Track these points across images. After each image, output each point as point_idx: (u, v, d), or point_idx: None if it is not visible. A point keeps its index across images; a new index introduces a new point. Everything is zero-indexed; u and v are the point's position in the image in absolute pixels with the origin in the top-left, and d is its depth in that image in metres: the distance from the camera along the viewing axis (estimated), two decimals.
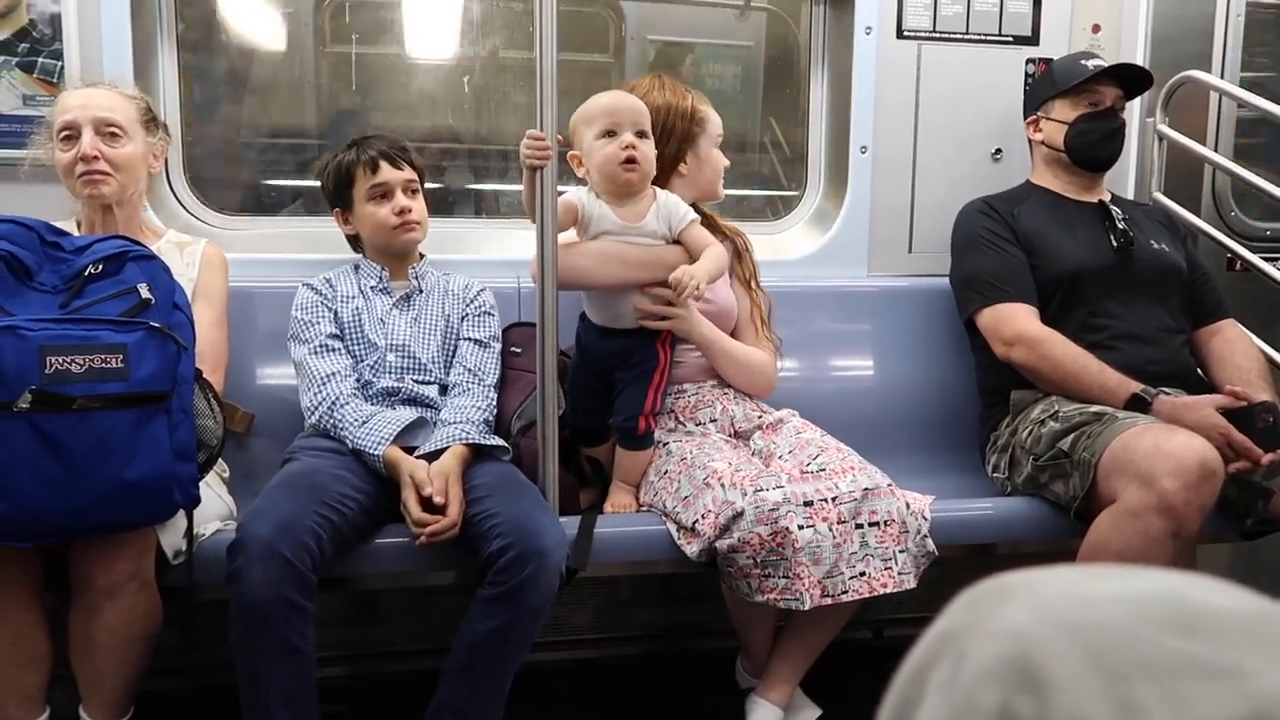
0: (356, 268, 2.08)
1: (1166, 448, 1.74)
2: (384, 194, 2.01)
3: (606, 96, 1.93)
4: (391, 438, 1.81)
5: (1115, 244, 2.20)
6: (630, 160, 1.85)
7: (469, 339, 2.05)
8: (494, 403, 1.98)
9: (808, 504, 1.69)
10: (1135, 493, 1.74)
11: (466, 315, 2.08)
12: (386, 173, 2.01)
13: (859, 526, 1.71)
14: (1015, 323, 2.12)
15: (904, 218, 2.56)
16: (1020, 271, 2.18)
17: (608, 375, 1.95)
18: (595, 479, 2.07)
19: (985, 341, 2.18)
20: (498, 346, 2.06)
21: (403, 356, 1.98)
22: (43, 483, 1.40)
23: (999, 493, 2.14)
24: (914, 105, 2.54)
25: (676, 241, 1.94)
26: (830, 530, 1.68)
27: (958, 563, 2.36)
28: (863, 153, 2.52)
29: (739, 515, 1.68)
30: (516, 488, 1.77)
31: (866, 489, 1.74)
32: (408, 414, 1.89)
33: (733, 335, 2.09)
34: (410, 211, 2.02)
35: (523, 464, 1.89)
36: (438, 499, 1.70)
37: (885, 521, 1.73)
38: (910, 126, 2.54)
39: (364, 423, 1.84)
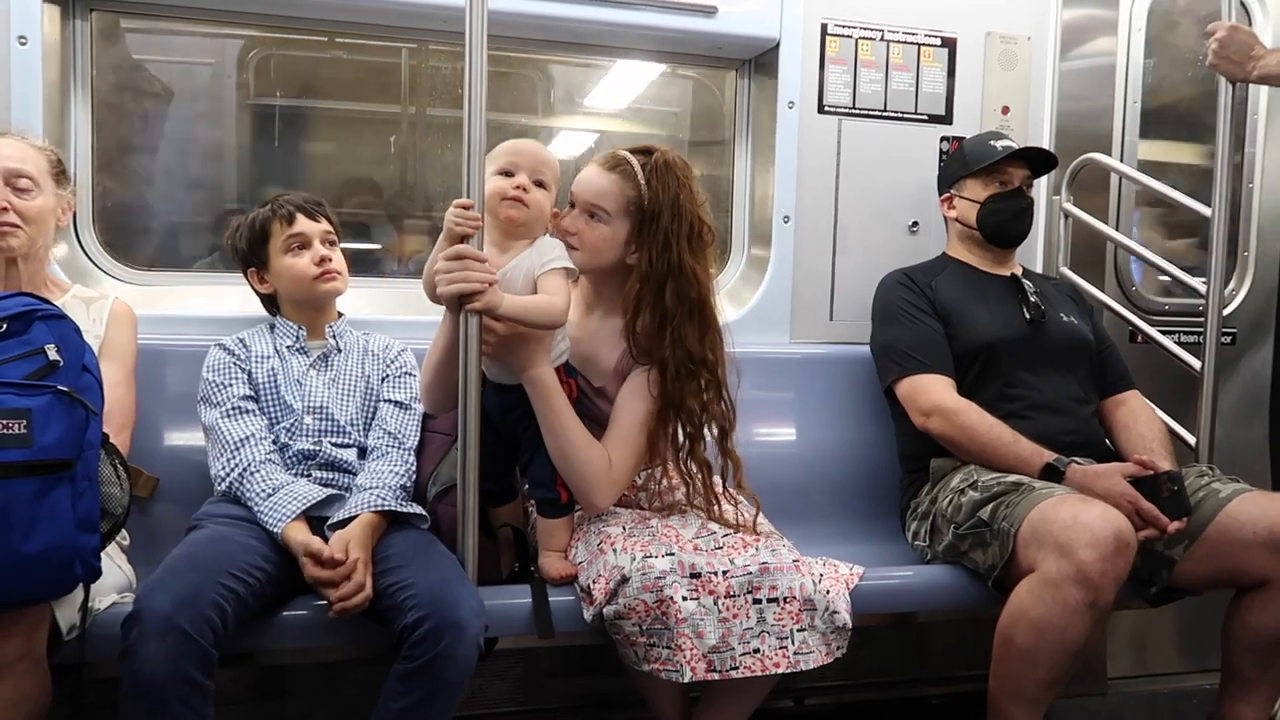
0: (272, 327, 2.03)
1: (1083, 519, 1.78)
2: (302, 245, 1.99)
3: (516, 140, 1.84)
4: (294, 515, 1.74)
5: (1028, 316, 2.28)
6: (516, 200, 1.74)
7: (389, 400, 2.01)
8: (413, 468, 1.93)
9: (695, 575, 1.65)
10: (1054, 563, 1.77)
11: (387, 376, 2.04)
12: (303, 224, 1.99)
13: (757, 602, 1.67)
14: (932, 394, 2.17)
15: (825, 286, 2.62)
16: (937, 343, 2.23)
17: (506, 434, 1.85)
18: (514, 544, 2.00)
19: (905, 410, 2.22)
20: (419, 409, 2.01)
21: (320, 419, 1.93)
22: None
23: (919, 560, 2.16)
24: (835, 177, 2.61)
25: None
26: (716, 604, 1.64)
27: (878, 630, 2.38)
28: (785, 222, 2.58)
29: (625, 580, 1.65)
30: (432, 556, 1.72)
31: (765, 564, 1.69)
32: (317, 491, 1.82)
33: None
34: (330, 261, 2.01)
35: (441, 531, 1.84)
36: (333, 556, 1.64)
37: (785, 598, 1.68)
38: (831, 198, 2.61)
39: (270, 494, 1.77)
